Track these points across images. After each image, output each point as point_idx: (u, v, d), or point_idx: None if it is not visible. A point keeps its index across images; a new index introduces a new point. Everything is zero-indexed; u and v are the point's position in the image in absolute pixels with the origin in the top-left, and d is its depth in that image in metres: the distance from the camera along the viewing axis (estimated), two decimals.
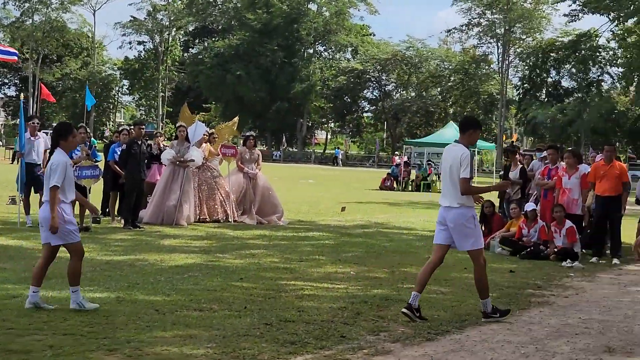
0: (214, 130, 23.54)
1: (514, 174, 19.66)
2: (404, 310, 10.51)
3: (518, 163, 20.11)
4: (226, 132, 24.23)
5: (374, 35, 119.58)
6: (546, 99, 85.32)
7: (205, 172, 21.63)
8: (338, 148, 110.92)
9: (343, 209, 27.43)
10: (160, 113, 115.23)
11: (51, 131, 10.30)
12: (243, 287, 11.97)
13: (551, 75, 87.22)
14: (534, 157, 22.31)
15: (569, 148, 22.81)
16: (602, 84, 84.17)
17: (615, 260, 16.89)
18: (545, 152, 19.92)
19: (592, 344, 9.52)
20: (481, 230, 11.49)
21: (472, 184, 11.05)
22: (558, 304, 12.21)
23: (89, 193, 18.88)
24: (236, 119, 25.67)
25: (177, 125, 22.18)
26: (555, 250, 17.07)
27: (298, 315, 10.11)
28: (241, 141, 24.38)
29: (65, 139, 10.29)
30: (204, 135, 21.49)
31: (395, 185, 47.96)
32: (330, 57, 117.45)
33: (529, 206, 18.22)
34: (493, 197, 20.32)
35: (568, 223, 17.22)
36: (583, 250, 17.81)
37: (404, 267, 14.81)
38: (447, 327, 10.05)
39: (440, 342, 9.30)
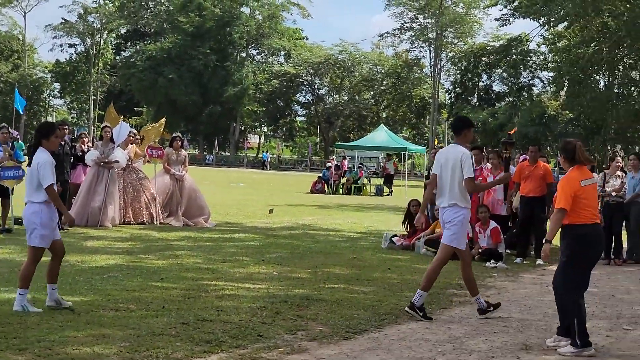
0: (137, 131, 23.31)
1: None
2: (407, 309, 10.82)
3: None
4: (152, 134, 24.00)
5: (307, 39, 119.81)
6: (478, 103, 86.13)
7: (131, 174, 21.42)
8: (266, 152, 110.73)
9: (271, 211, 27.39)
10: (92, 116, 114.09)
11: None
12: (163, 287, 11.88)
13: (482, 80, 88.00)
14: None
15: (495, 149, 22.97)
16: (533, 88, 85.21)
17: (539, 261, 17.00)
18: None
19: (510, 342, 9.62)
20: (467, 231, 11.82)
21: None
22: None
23: (12, 194, 18.60)
24: (163, 120, 25.51)
25: (102, 125, 21.99)
26: (480, 250, 17.17)
27: (216, 314, 10.04)
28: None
29: (48, 139, 10.33)
30: (129, 136, 21.31)
31: (326, 188, 47.98)
32: (263, 60, 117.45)
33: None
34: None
35: (492, 224, 17.35)
36: (507, 251, 17.94)
37: (327, 268, 14.79)
38: (365, 325, 10.06)
39: (358, 340, 9.32)
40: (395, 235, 19.07)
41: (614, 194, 18.34)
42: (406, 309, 10.85)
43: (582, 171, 9.54)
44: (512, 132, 18.13)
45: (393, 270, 15.05)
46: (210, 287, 12.11)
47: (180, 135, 23.77)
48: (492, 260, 16.57)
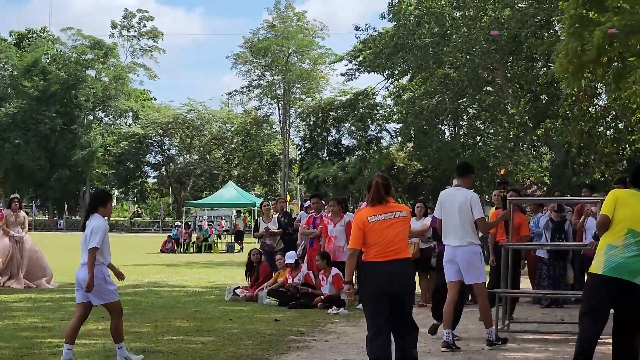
0: None
1: (271, 223, 20.18)
2: (443, 349, 12.05)
3: (271, 215, 20.66)
4: None
5: (155, 99, 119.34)
6: (328, 158, 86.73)
7: None
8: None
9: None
10: None
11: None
12: None
13: (332, 134, 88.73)
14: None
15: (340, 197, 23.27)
16: (382, 140, 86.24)
17: (359, 306, 17.30)
18: (309, 201, 20.32)
19: None
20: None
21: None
22: (317, 347, 12.46)
23: None
24: None
25: None
26: (322, 298, 17.38)
27: None
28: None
29: (105, 206, 11.04)
30: None
31: (176, 247, 47.76)
32: (111, 122, 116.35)
33: (290, 256, 18.53)
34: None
35: (334, 270, 17.57)
36: (350, 298, 18.14)
37: (167, 321, 14.78)
38: None
39: None
40: (239, 287, 19.16)
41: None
42: (487, 347, 12.37)
43: (374, 208, 9.44)
44: (502, 172, 18.73)
45: (235, 320, 15.13)
46: (45, 345, 12.00)
47: (18, 197, 23.41)
48: (334, 307, 16.77)
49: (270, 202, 22.30)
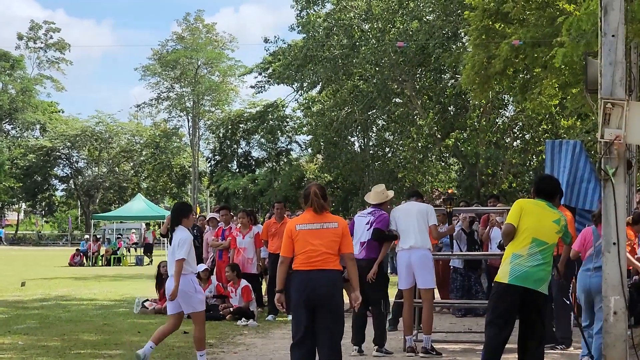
0: None
1: None
2: (422, 354, 12.60)
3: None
4: None
5: (63, 111, 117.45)
6: (238, 170, 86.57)
7: None
8: (2, 227, 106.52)
9: (23, 284, 26.72)
10: None
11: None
12: None
13: (241, 146, 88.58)
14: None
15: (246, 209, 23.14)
16: (291, 152, 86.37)
17: (289, 316, 17.26)
18: (217, 213, 20.24)
19: None
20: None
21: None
22: (226, 359, 12.40)
23: None
24: None
25: None
26: (231, 309, 17.28)
27: None
28: None
29: (187, 217, 11.58)
30: None
31: (85, 260, 47.17)
32: (18, 135, 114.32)
33: (200, 267, 18.38)
34: None
35: (243, 282, 17.49)
36: (259, 309, 18.13)
37: (75, 335, 14.58)
38: None
39: None
40: (147, 300, 18.95)
41: None
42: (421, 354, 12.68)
43: (303, 217, 9.49)
44: (450, 190, 19.20)
45: (143, 333, 14.96)
46: None
47: None
48: (244, 319, 16.69)
49: None
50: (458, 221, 19.04)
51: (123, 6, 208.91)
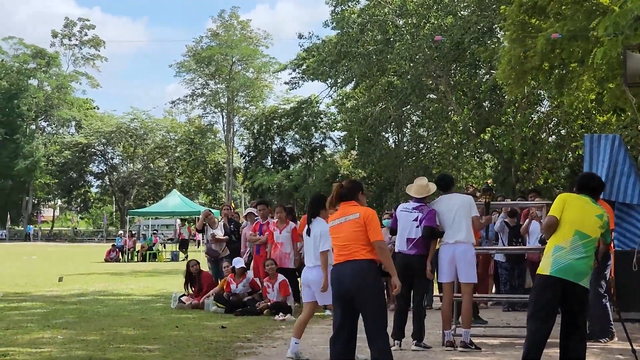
0: None
1: (217, 230, 20.04)
2: (461, 348, 12.57)
3: (217, 222, 20.52)
4: None
5: (98, 108, 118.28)
6: (272, 166, 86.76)
7: None
8: (30, 224, 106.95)
9: (60, 279, 26.88)
10: None
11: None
12: None
13: (276, 142, 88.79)
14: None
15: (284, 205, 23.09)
16: (325, 148, 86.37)
17: (327, 312, 17.30)
18: (254, 208, 20.22)
19: None
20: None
21: None
22: (265, 353, 12.38)
23: None
24: None
25: None
26: (268, 304, 17.29)
27: None
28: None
29: (325, 209, 11.47)
30: None
31: (121, 256, 47.43)
32: (54, 132, 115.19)
33: (237, 262, 18.40)
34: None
35: (280, 277, 17.47)
36: (296, 304, 18.12)
37: (113, 329, 14.59)
38: None
39: None
40: (184, 295, 19.01)
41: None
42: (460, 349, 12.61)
43: (332, 214, 9.79)
44: (489, 181, 19.00)
45: (181, 328, 14.98)
46: None
47: None
48: (281, 313, 16.68)
49: (212, 211, 22.29)
50: (500, 214, 18.98)
51: (158, 4, 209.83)
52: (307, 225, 11.75)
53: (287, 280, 17.47)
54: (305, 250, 12.00)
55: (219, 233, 20.14)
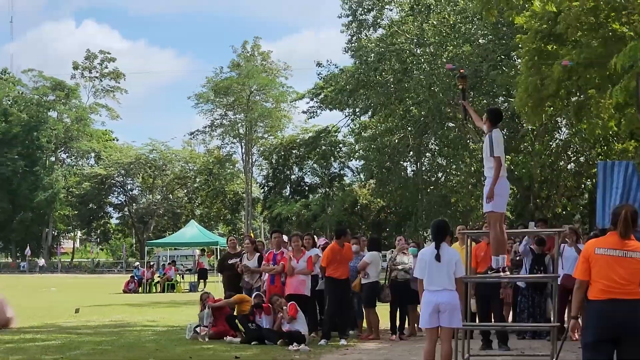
0: None
1: (252, 262, 19.73)
2: None
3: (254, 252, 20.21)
4: None
5: (117, 139, 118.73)
6: (290, 196, 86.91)
7: None
8: (43, 257, 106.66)
9: (77, 310, 26.88)
10: None
11: None
12: None
13: (294, 172, 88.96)
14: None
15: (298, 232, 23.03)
16: (344, 178, 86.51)
17: (342, 341, 17.21)
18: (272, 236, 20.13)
19: None
20: None
21: None
22: None
23: None
24: None
25: None
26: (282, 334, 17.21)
27: None
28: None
29: (450, 235, 12.90)
30: None
31: (139, 287, 47.42)
32: (73, 163, 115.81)
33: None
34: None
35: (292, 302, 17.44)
36: (313, 335, 18.04)
37: None
38: None
39: None
40: (199, 326, 18.90)
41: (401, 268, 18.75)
42: None
43: (605, 240, 8.93)
44: (461, 70, 18.79)
45: (195, 358, 14.92)
46: None
47: None
48: (295, 344, 16.57)
49: (236, 238, 22.17)
50: (520, 242, 18.79)
51: (185, 35, 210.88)
52: (436, 251, 11.61)
53: (295, 304, 17.34)
54: (431, 275, 11.65)
55: (254, 264, 19.60)
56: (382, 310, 18.97)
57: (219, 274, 24.16)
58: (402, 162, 62.47)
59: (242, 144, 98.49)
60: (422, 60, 50.82)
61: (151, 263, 51.68)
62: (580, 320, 9.02)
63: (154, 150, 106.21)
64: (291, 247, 18.74)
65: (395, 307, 18.76)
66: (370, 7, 56.38)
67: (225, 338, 18.03)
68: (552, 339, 13.21)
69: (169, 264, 51.28)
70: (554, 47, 24.20)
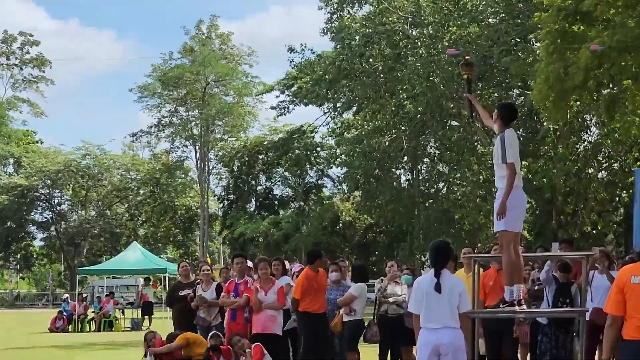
0: None
1: (209, 293, 19.58)
2: None
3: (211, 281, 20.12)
4: None
5: (42, 142, 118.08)
6: (256, 212, 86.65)
7: None
8: None
9: None
10: None
11: None
12: None
13: (261, 182, 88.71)
14: None
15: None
16: (323, 189, 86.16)
17: None
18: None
19: None
20: None
21: None
22: None
23: None
24: None
25: None
26: None
27: None
28: None
29: (453, 260, 13.24)
30: None
31: (69, 325, 47.26)
32: None
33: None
34: None
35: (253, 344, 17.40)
36: None
37: None
38: None
39: None
40: None
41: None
42: None
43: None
44: (467, 56, 18.78)
45: None
46: None
47: None
48: None
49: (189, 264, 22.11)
50: (539, 268, 18.74)
51: (126, 16, 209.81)
52: (435, 280, 11.56)
53: (261, 345, 17.25)
54: (429, 309, 11.68)
55: (209, 296, 19.46)
56: (369, 352, 18.95)
57: (168, 308, 24.04)
58: (394, 170, 62.49)
59: (197, 147, 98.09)
60: (419, 43, 50.92)
61: (84, 295, 51.45)
62: None
63: (88, 156, 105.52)
64: (257, 275, 18.60)
65: (385, 349, 18.74)
66: None
67: None
68: None
69: (106, 296, 51.08)
70: (581, 27, 24.31)
